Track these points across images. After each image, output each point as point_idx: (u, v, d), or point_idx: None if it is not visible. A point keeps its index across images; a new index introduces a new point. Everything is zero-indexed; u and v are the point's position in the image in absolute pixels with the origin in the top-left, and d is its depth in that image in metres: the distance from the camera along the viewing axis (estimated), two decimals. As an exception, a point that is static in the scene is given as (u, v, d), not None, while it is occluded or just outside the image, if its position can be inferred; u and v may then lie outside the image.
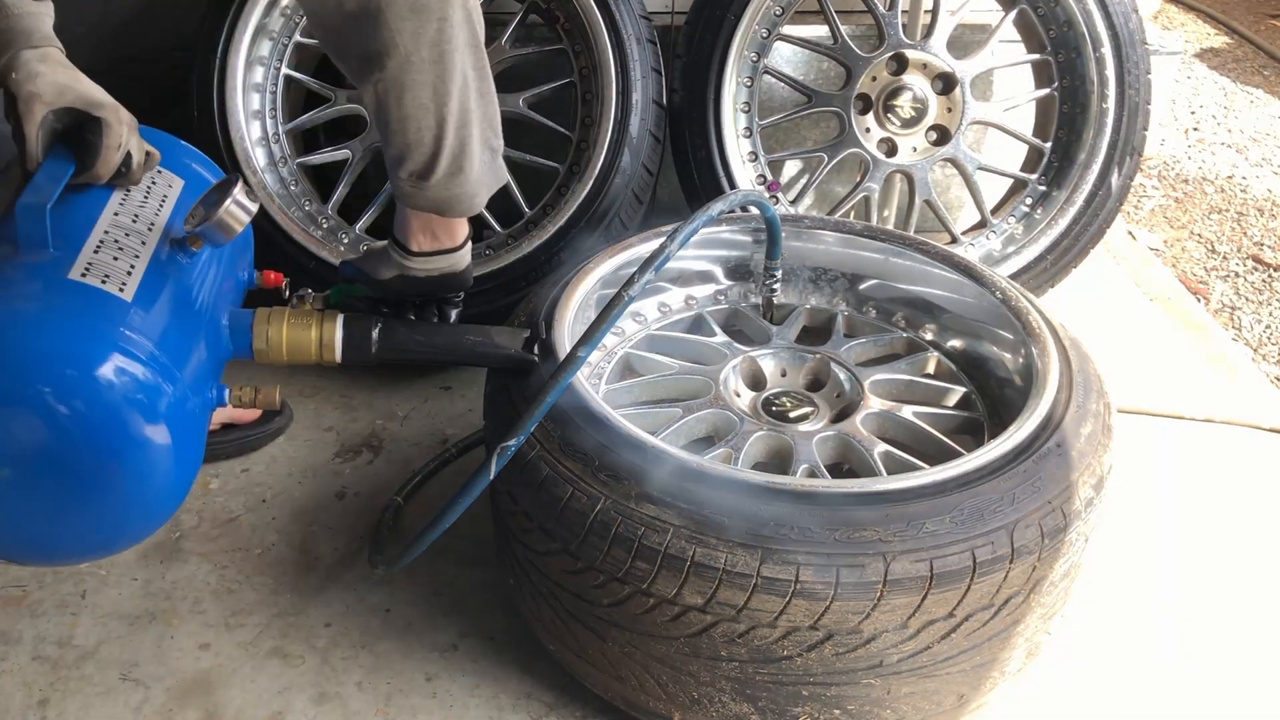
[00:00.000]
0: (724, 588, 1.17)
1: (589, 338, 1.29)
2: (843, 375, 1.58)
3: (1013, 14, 2.17)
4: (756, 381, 1.61)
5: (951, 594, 1.18)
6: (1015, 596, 1.23)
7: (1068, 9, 2.12)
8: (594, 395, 1.34)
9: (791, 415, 1.51)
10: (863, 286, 1.74)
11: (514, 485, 1.30)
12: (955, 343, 1.67)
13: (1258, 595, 1.68)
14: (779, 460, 1.46)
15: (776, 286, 1.69)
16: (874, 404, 1.51)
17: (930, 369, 1.66)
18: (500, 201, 2.09)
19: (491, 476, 1.28)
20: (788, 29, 2.19)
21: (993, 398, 1.59)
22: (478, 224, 2.09)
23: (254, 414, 1.87)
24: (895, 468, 1.40)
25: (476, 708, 1.45)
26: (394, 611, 1.59)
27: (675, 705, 1.31)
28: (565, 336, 1.44)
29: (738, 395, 1.56)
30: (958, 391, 1.59)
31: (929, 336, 1.70)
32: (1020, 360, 1.52)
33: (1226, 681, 1.54)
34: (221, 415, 1.84)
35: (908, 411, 1.51)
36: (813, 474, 1.40)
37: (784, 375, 1.63)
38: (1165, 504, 1.84)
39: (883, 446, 1.44)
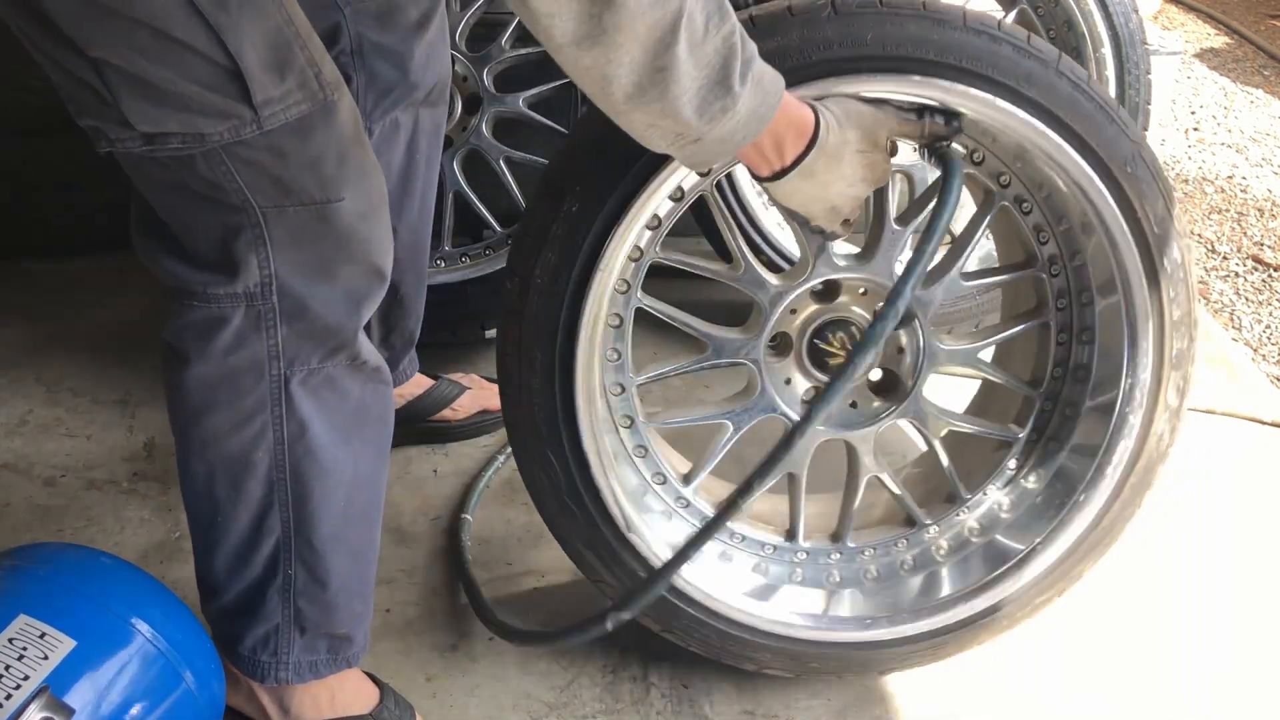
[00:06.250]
0: None
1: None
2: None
3: (1012, 14, 2.17)
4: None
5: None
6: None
7: (1068, 9, 2.12)
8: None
9: None
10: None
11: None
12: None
13: (1259, 592, 1.69)
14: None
15: None
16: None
17: None
18: (500, 201, 2.10)
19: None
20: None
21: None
22: (477, 224, 2.10)
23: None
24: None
25: (476, 708, 1.45)
26: (394, 611, 1.59)
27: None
28: None
29: None
30: None
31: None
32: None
33: (1227, 668, 1.55)
34: (477, 401, 1.90)
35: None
36: None
37: None
38: (1164, 497, 1.85)
39: None
